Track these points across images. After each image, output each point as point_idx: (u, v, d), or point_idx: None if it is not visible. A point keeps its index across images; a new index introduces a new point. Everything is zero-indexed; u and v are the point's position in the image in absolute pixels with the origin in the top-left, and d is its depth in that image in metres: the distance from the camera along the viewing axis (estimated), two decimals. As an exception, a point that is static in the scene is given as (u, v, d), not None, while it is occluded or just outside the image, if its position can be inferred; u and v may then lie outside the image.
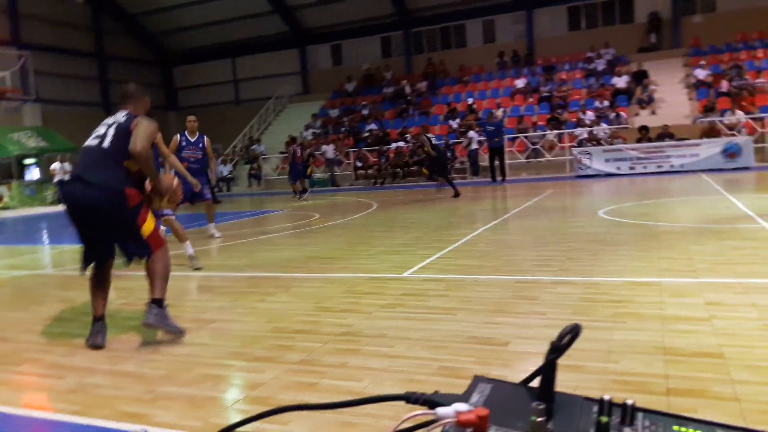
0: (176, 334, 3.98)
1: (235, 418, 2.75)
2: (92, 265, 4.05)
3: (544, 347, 3.12)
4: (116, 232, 3.93)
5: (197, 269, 6.59)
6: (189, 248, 6.76)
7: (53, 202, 24.95)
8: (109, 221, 3.85)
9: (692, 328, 3.46)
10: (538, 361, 3.07)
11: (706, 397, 2.57)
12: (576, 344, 0.91)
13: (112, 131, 3.94)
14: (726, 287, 4.33)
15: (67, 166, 23.02)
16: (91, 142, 3.99)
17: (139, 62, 34.26)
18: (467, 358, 3.22)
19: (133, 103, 4.20)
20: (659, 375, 2.82)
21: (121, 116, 4.03)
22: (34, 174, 26.24)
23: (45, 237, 12.08)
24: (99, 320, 4.05)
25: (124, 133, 3.87)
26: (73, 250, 9.54)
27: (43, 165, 26.32)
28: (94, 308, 4.07)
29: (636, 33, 25.70)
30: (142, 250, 3.95)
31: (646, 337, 3.36)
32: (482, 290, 4.76)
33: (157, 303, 3.96)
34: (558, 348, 0.85)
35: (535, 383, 0.91)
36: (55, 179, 23.82)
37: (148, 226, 3.93)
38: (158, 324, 3.92)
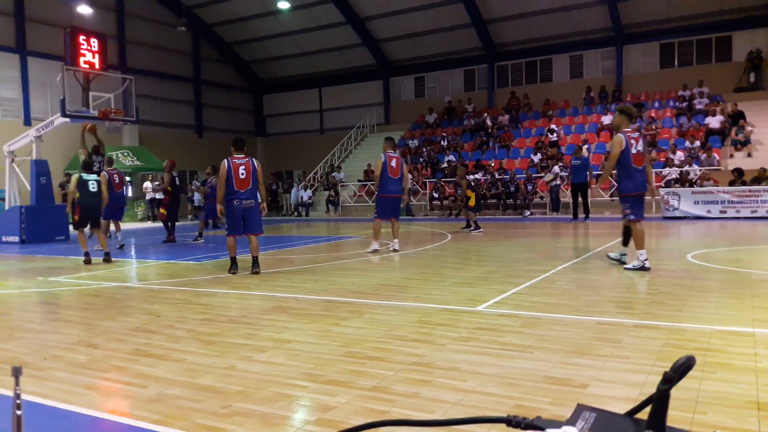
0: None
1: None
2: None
3: (626, 392, 3.00)
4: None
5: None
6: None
7: (143, 219, 26.32)
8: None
9: (790, 385, 3.22)
10: (619, 407, 2.92)
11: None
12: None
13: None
14: (829, 344, 4.02)
15: (152, 184, 24.29)
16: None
17: (232, 88, 35.92)
18: (543, 398, 3.12)
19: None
20: (752, 431, 2.64)
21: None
22: (127, 191, 27.84)
23: (133, 252, 12.70)
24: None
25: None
26: (158, 265, 9.98)
27: (137, 183, 27.87)
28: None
29: (733, 72, 24.62)
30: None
31: (738, 389, 3.15)
32: (560, 329, 4.62)
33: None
34: (671, 378, 0.82)
35: (641, 416, 0.88)
36: (147, 197, 25.16)
37: None
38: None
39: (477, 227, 14.91)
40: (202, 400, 3.26)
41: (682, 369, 0.83)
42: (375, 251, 10.51)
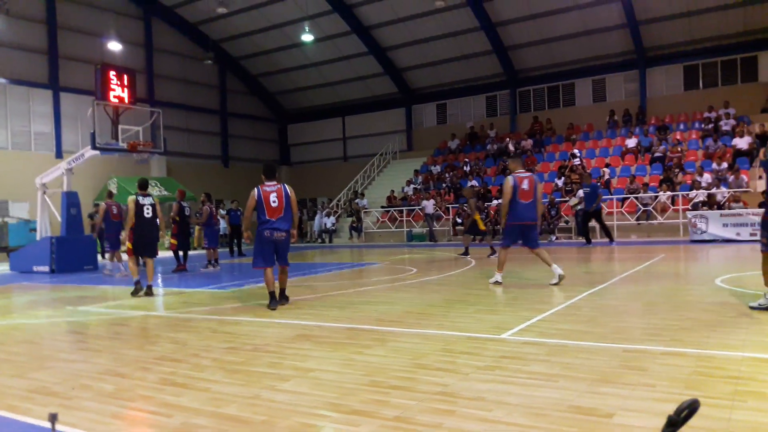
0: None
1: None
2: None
3: (653, 422, 2.94)
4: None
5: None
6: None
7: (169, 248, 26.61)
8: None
9: (825, 415, 3.14)
10: (645, 437, 2.84)
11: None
12: (691, 421, 0.87)
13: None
14: None
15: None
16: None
17: (257, 119, 36.54)
18: (569, 429, 3.08)
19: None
20: (785, 464, 2.57)
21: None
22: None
23: (160, 281, 12.86)
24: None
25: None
26: (185, 293, 10.09)
27: (164, 213, 28.27)
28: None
29: (760, 93, 24.35)
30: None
31: (770, 420, 3.08)
32: (586, 357, 4.56)
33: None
34: (675, 422, 0.82)
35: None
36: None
37: None
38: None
39: (469, 252, 15.48)
40: (227, 429, 3.28)
41: (686, 412, 0.83)
42: (497, 283, 9.28)
